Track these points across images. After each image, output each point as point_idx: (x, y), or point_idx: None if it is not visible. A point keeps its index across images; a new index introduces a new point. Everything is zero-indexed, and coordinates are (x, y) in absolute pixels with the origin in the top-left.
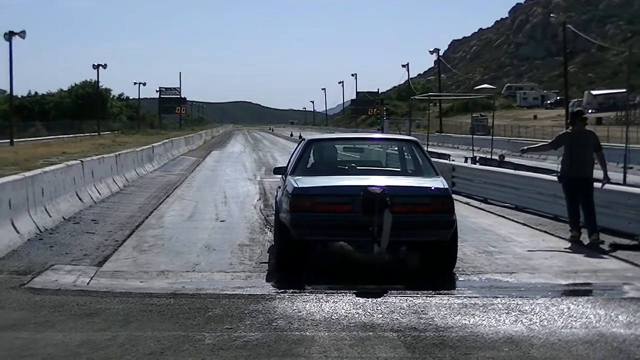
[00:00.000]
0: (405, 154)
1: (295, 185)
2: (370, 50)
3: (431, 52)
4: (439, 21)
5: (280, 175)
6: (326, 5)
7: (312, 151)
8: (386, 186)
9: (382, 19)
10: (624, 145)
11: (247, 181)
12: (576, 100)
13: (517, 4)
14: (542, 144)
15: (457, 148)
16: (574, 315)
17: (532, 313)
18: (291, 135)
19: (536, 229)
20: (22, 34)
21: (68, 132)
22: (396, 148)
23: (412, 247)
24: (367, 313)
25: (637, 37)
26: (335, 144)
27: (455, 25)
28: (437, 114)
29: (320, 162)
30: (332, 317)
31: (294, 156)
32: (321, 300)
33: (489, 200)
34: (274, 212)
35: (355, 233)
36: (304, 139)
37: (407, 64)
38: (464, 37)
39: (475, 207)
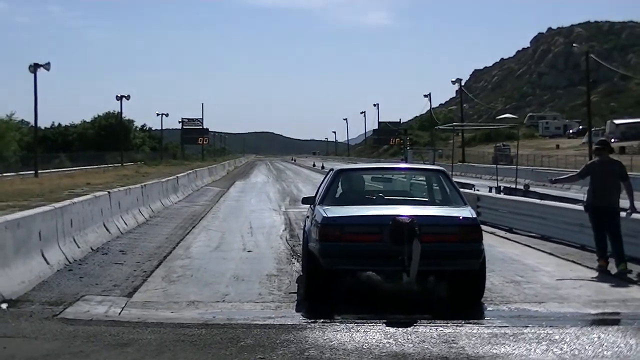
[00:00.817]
0: (433, 183)
1: (325, 215)
2: (392, 80)
3: (453, 82)
4: (460, 51)
5: (309, 205)
6: (347, 36)
7: (340, 181)
8: (415, 216)
9: (404, 49)
10: None
11: (272, 212)
12: (593, 129)
13: (539, 33)
14: (571, 174)
15: (480, 178)
16: (605, 344)
17: (563, 342)
18: (314, 165)
19: (563, 258)
20: (46, 66)
21: (91, 163)
22: (424, 178)
23: (441, 276)
24: (398, 342)
25: None
26: (364, 174)
27: (476, 54)
28: (460, 144)
29: (348, 192)
30: (364, 346)
31: (322, 186)
32: (352, 330)
33: (515, 230)
34: (300, 242)
35: (385, 262)
36: (332, 169)
37: (429, 94)
38: (486, 67)
39: (501, 236)
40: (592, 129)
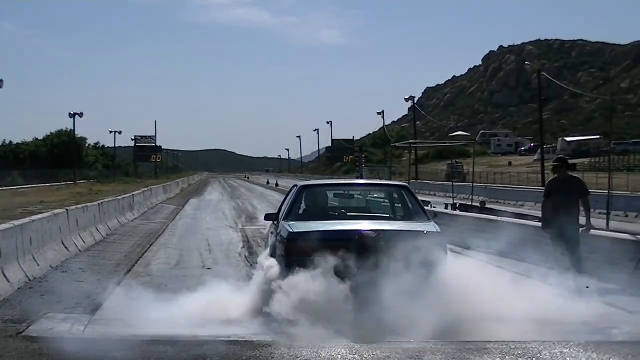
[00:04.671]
0: (397, 199)
1: (290, 230)
2: (345, 97)
3: (406, 100)
4: (412, 69)
5: (271, 221)
6: (301, 54)
7: (304, 197)
8: (380, 230)
9: (357, 66)
10: (603, 191)
11: (228, 229)
12: (545, 146)
13: (490, 51)
14: (542, 211)
15: (434, 195)
16: (567, 358)
17: (526, 357)
18: (267, 183)
19: (521, 274)
20: None
21: (44, 181)
22: (388, 193)
23: None
24: (363, 358)
25: (609, 85)
26: (327, 190)
27: (428, 72)
28: (412, 161)
29: (312, 208)
30: None
31: (286, 202)
32: (317, 346)
33: (471, 247)
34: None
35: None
36: (296, 185)
37: (382, 112)
38: (438, 85)
39: (458, 253)
40: (544, 146)
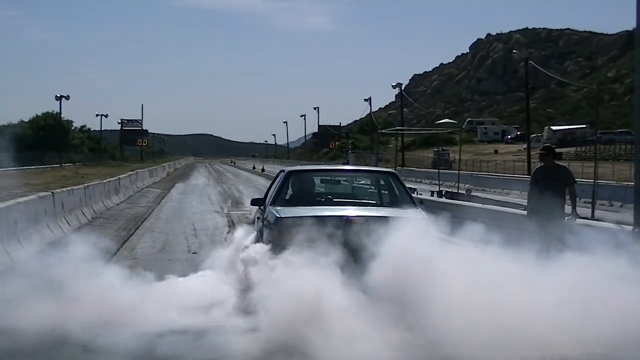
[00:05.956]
0: (385, 185)
1: (278, 215)
2: (333, 83)
3: (394, 87)
4: (400, 55)
5: (257, 207)
6: (289, 39)
7: (291, 182)
8: (367, 216)
9: (345, 53)
10: (589, 180)
11: (214, 213)
12: (532, 135)
13: (478, 39)
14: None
15: (421, 182)
16: None
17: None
18: (254, 168)
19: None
20: None
21: (30, 164)
22: (375, 180)
23: None
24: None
25: (596, 74)
26: (314, 176)
27: (416, 59)
28: (399, 148)
29: (300, 193)
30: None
31: (273, 187)
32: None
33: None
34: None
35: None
36: (283, 170)
37: (370, 98)
38: (425, 72)
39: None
40: (531, 135)
